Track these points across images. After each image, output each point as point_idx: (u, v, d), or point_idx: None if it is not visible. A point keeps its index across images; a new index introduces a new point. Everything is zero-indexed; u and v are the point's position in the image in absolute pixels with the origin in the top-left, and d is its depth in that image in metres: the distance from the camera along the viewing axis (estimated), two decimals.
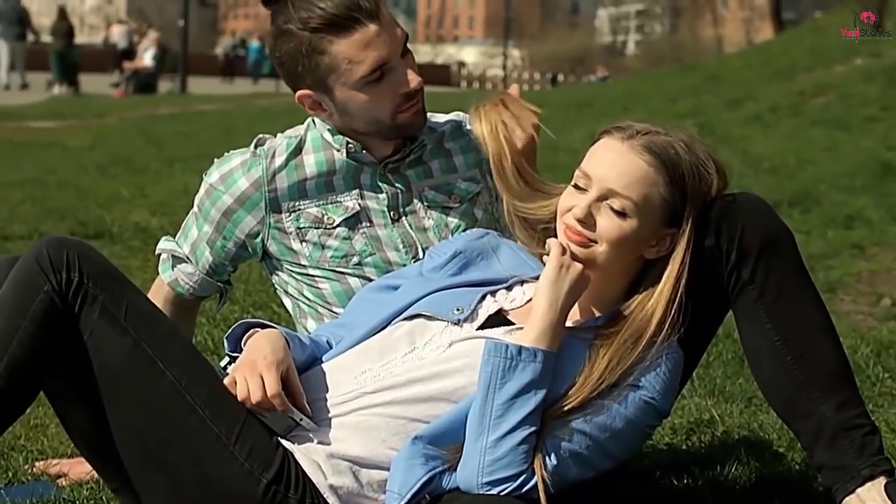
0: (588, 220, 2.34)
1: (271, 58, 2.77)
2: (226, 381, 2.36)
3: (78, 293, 2.32)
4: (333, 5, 2.61)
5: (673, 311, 2.33)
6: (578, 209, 2.34)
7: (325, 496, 2.32)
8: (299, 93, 2.71)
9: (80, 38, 26.88)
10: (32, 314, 2.29)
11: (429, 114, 2.80)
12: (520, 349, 2.24)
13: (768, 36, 33.30)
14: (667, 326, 2.32)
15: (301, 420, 2.35)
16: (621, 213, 2.34)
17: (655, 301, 2.35)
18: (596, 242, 2.34)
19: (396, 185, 2.77)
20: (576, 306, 2.38)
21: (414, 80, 2.68)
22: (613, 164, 2.36)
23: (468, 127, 2.87)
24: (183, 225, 2.89)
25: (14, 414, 2.38)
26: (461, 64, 63.66)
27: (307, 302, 2.81)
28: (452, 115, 2.91)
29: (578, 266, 2.32)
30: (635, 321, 2.34)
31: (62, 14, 26.16)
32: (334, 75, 2.65)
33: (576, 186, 2.38)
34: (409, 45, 2.71)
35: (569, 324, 2.34)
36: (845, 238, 6.69)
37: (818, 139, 10.93)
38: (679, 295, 2.35)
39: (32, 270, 2.32)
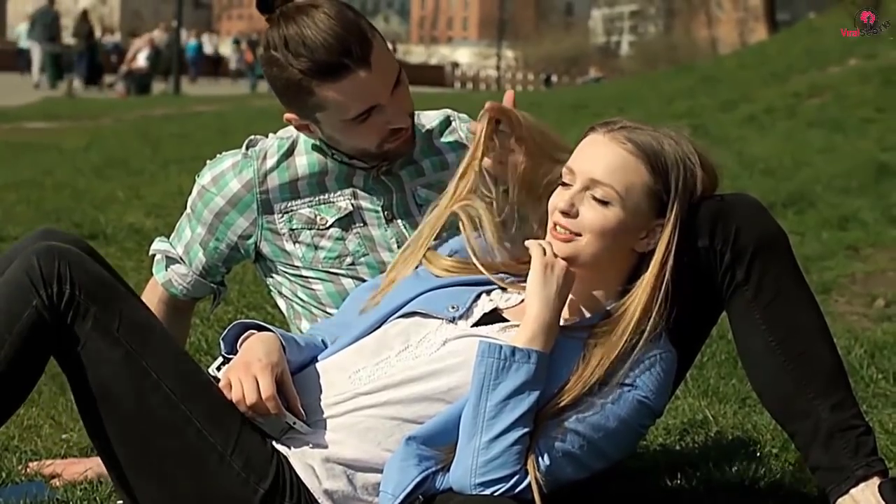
0: (571, 212, 2.34)
1: (263, 70, 2.70)
2: (220, 383, 2.36)
3: (70, 306, 2.29)
4: (324, 49, 2.52)
5: (659, 300, 2.33)
6: (562, 201, 2.35)
7: (319, 501, 2.32)
8: (286, 115, 2.69)
9: (72, 40, 26.97)
10: (19, 329, 2.27)
11: (418, 112, 2.79)
12: (513, 350, 2.23)
13: (762, 37, 33.28)
14: (654, 315, 2.31)
15: (295, 423, 2.34)
16: (603, 202, 2.34)
17: (642, 290, 2.34)
18: (580, 235, 2.34)
19: (390, 185, 2.77)
20: (571, 305, 2.38)
21: (403, 118, 2.64)
22: (595, 154, 2.37)
23: (457, 124, 2.87)
24: (177, 226, 2.88)
25: None
26: (455, 65, 63.71)
27: (301, 303, 2.80)
28: (441, 113, 2.90)
29: (562, 263, 2.32)
30: (626, 314, 2.33)
31: (84, 16, 26.28)
32: (321, 113, 2.62)
33: (563, 184, 2.39)
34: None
35: (563, 323, 2.34)
36: (840, 239, 6.69)
37: (813, 140, 10.92)
38: (665, 283, 2.34)
39: (22, 284, 2.29)
